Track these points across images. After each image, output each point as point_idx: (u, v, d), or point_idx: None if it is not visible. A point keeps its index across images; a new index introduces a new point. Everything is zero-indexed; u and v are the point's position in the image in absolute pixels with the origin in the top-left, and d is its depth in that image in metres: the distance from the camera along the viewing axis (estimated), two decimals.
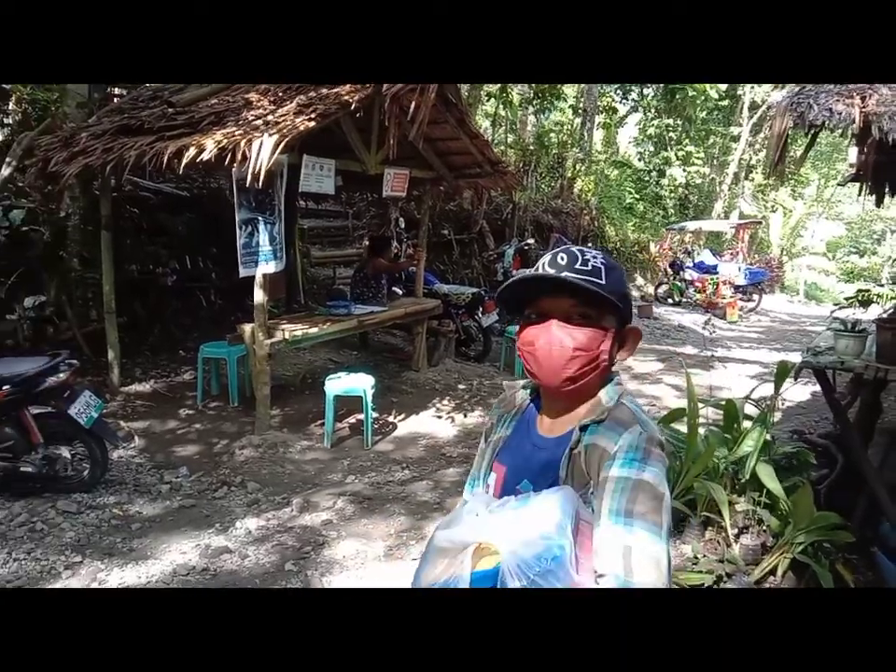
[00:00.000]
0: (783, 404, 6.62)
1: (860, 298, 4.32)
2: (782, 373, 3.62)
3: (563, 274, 1.22)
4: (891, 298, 4.54)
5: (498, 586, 1.09)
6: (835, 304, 4.78)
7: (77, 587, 3.44)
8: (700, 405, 4.19)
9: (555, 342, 1.23)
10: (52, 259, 6.58)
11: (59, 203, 6.76)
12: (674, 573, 3.30)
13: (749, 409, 4.01)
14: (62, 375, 4.24)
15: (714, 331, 10.93)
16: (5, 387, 4.04)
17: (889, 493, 3.68)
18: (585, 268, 1.23)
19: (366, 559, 3.84)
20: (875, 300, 4.13)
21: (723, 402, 3.92)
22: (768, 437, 3.62)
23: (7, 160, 6.13)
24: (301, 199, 8.58)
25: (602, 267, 1.24)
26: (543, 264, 1.27)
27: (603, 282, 1.22)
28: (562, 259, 1.25)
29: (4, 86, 6.91)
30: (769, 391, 3.96)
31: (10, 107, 6.79)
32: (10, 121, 6.86)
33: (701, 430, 3.99)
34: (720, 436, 3.70)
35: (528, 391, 1.43)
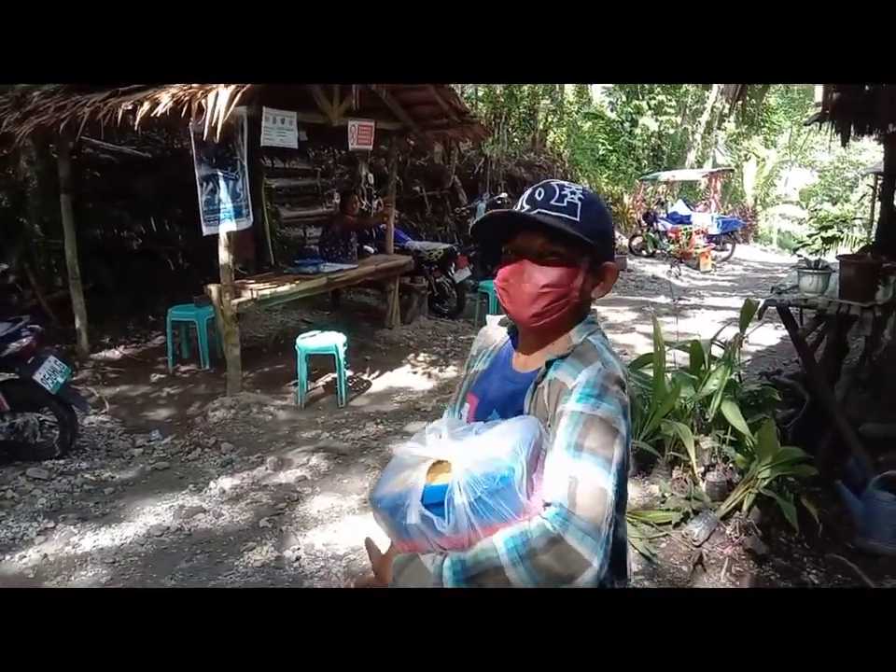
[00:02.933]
0: (753, 348, 6.71)
1: (822, 235, 4.34)
2: (747, 313, 3.64)
3: (535, 212, 1.22)
4: (859, 240, 4.57)
5: (445, 501, 1.10)
6: (799, 243, 4.80)
7: (50, 553, 3.43)
8: (668, 349, 4.22)
9: (525, 278, 1.24)
10: (12, 225, 6.41)
11: (15, 168, 6.56)
12: (642, 511, 3.36)
13: (717, 351, 4.04)
14: (24, 341, 4.16)
15: (679, 275, 11.01)
16: None
17: (853, 429, 3.75)
18: (560, 204, 1.23)
19: (341, 513, 3.86)
20: (837, 236, 4.15)
21: (689, 345, 3.95)
22: (734, 376, 3.66)
23: None
24: (266, 157, 8.42)
25: (579, 203, 1.23)
26: (522, 199, 1.27)
27: (578, 219, 1.22)
28: (539, 193, 1.25)
29: None
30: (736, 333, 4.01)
31: None
32: None
33: (669, 374, 4.03)
34: (686, 377, 3.73)
35: (507, 327, 1.45)
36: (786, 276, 4.57)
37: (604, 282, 1.30)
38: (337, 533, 3.64)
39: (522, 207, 1.26)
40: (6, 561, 3.35)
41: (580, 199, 1.24)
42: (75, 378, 5.57)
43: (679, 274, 11.40)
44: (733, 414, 3.36)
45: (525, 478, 1.11)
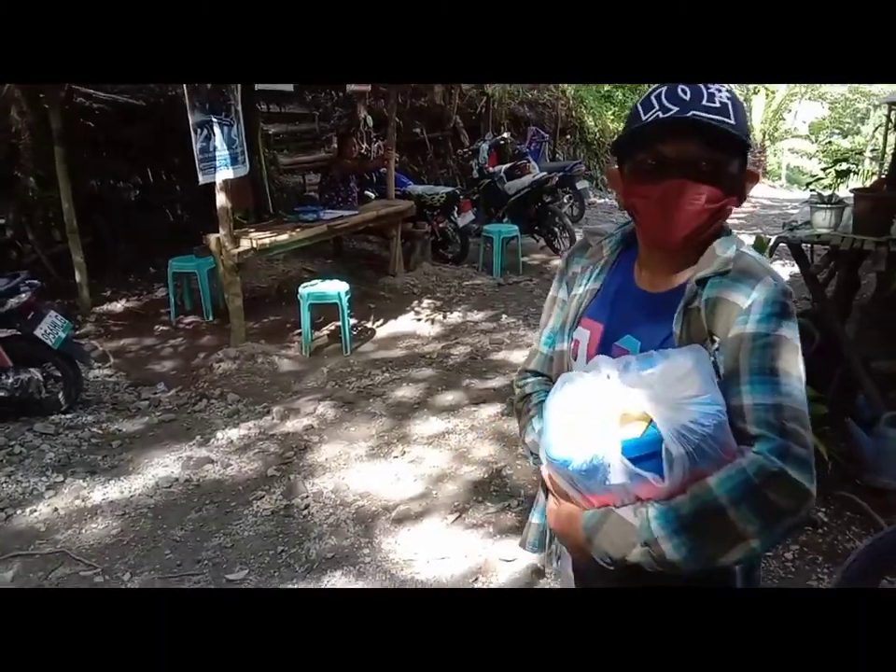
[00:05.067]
0: None
1: (836, 169, 4.20)
2: (759, 250, 3.55)
3: (690, 114, 1.07)
4: (872, 173, 4.43)
5: (662, 454, 1.02)
6: (812, 177, 4.66)
7: (60, 506, 3.45)
8: None
9: (687, 196, 1.10)
10: (6, 180, 6.30)
11: (6, 121, 6.41)
12: None
13: None
14: (23, 296, 4.12)
15: None
16: None
17: (864, 366, 3.70)
18: (713, 104, 1.08)
19: (349, 460, 3.86)
20: (851, 170, 4.02)
21: None
22: None
23: None
24: (262, 101, 8.21)
25: (729, 102, 1.10)
26: (662, 100, 1.10)
27: (733, 121, 1.08)
28: (684, 92, 1.09)
29: None
30: None
31: None
32: None
33: None
34: None
35: (615, 241, 1.31)
36: (797, 212, 4.46)
37: (746, 189, 1.18)
38: (345, 480, 3.66)
39: (666, 110, 1.09)
40: (17, 515, 3.37)
41: (728, 98, 1.10)
42: (77, 332, 5.55)
43: None
44: None
45: (727, 411, 1.04)
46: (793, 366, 1.07)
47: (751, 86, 20.79)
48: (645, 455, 1.03)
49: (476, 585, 2.82)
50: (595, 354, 1.22)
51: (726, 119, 1.08)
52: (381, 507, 3.40)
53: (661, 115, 1.09)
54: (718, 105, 1.08)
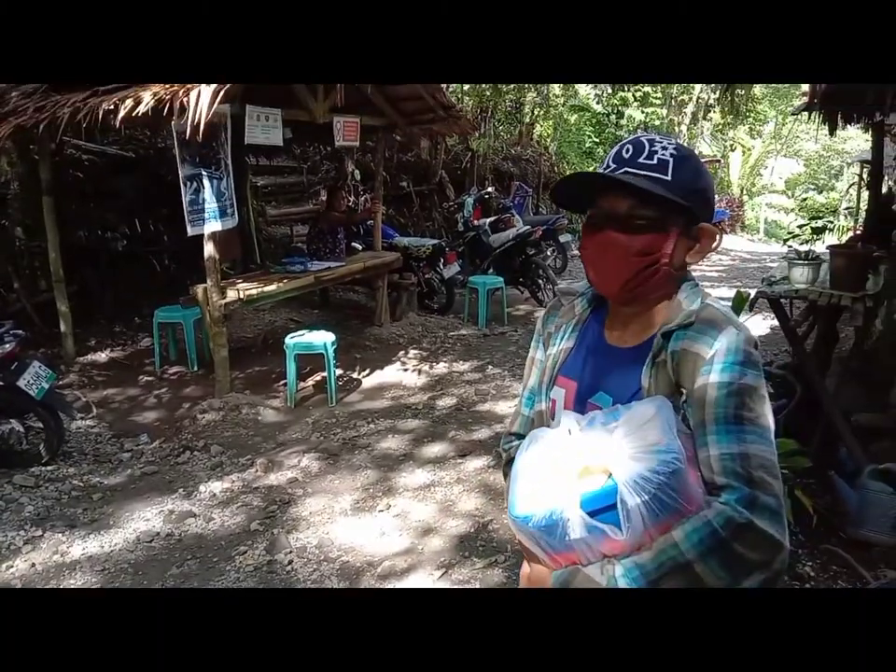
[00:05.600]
0: None
1: (812, 226, 4.33)
2: (738, 304, 3.62)
3: (621, 171, 1.13)
4: (846, 228, 4.56)
5: (617, 505, 1.01)
6: (789, 234, 4.78)
7: (38, 561, 3.38)
8: None
9: (610, 247, 1.14)
10: None
11: None
12: None
13: None
14: (7, 346, 4.10)
15: None
16: None
17: (845, 419, 3.75)
18: (650, 161, 1.12)
19: (333, 514, 3.82)
20: (827, 227, 4.14)
21: None
22: None
23: None
24: (251, 154, 8.34)
25: (670, 160, 1.13)
26: (609, 157, 1.17)
27: (668, 178, 1.11)
28: (626, 151, 1.15)
29: None
30: None
31: None
32: None
33: None
34: None
35: (587, 299, 1.33)
36: (775, 266, 4.56)
37: (700, 245, 1.19)
38: (329, 535, 3.61)
39: (608, 167, 1.15)
40: None
41: (671, 154, 1.13)
42: (61, 382, 5.50)
43: None
44: None
45: (686, 463, 1.03)
46: (760, 414, 1.07)
47: (729, 143, 21.41)
48: (602, 507, 1.03)
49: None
50: (574, 403, 1.25)
51: (661, 176, 1.11)
52: (365, 562, 3.36)
53: (602, 171, 1.16)
54: (655, 162, 1.12)
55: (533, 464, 1.13)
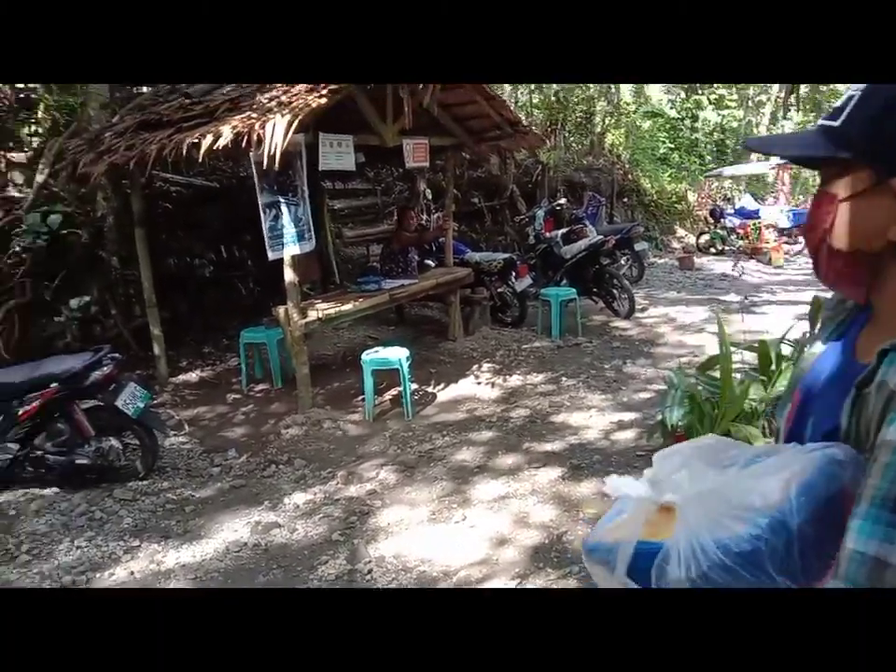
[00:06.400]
0: None
1: None
2: (816, 310, 3.53)
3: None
4: None
5: (654, 571, 0.84)
6: None
7: (136, 570, 3.60)
8: (736, 350, 4.12)
9: (810, 223, 0.91)
10: (92, 259, 6.78)
11: (93, 205, 6.94)
12: None
13: (787, 349, 3.92)
14: (105, 369, 4.39)
15: (744, 272, 10.70)
16: (53, 385, 4.21)
17: None
18: (830, 112, 0.86)
19: (410, 524, 3.91)
20: None
21: (756, 345, 3.85)
22: None
23: (40, 166, 6.31)
24: (327, 179, 8.63)
25: (852, 98, 0.84)
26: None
27: (836, 123, 0.84)
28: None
29: (31, 95, 7.09)
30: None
31: (39, 115, 6.97)
32: (41, 129, 7.05)
33: (738, 375, 3.93)
34: (755, 378, 3.63)
35: None
36: None
37: None
38: (407, 545, 3.70)
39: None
40: (96, 579, 3.53)
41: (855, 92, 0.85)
42: (155, 402, 5.84)
43: (744, 271, 11.06)
44: None
45: (792, 547, 0.79)
46: None
47: None
48: (644, 566, 0.88)
49: None
50: (790, 429, 1.02)
51: (829, 123, 0.87)
52: (441, 572, 3.43)
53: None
54: (832, 110, 0.89)
55: (625, 492, 0.96)
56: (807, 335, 3.71)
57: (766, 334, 4.92)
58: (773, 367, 3.66)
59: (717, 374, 3.95)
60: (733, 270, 9.31)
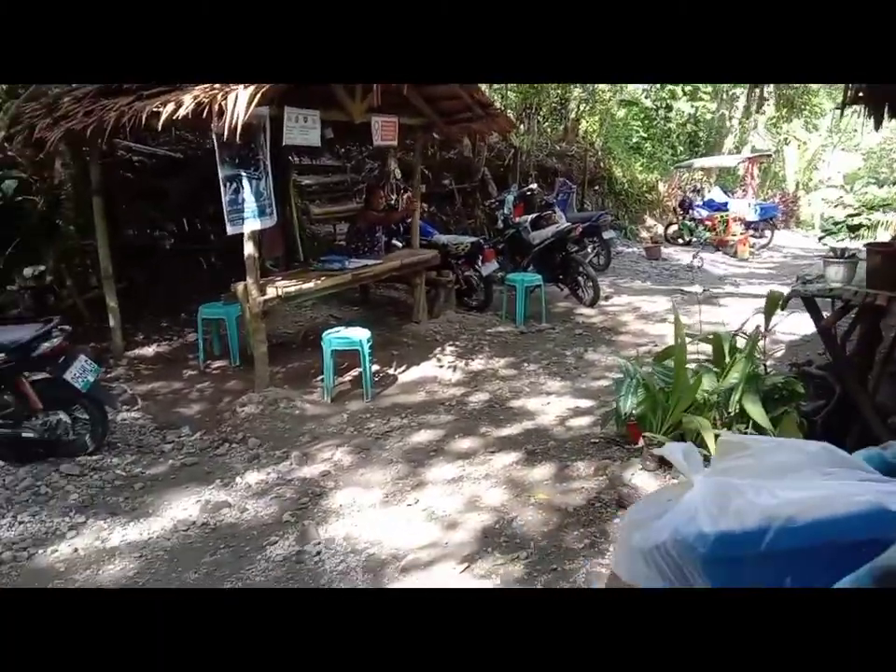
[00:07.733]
0: (787, 337, 6.57)
1: (848, 223, 4.20)
2: (772, 304, 3.57)
3: None
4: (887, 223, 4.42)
5: None
6: (823, 231, 4.64)
7: (81, 546, 3.53)
8: (692, 341, 4.16)
9: None
10: (48, 228, 6.59)
11: (50, 172, 6.73)
12: None
13: (742, 342, 3.96)
14: (55, 341, 4.28)
15: (702, 264, 10.83)
16: (0, 355, 4.10)
17: (881, 422, 3.65)
18: None
19: (362, 506, 3.90)
20: (865, 223, 4.02)
21: (710, 336, 3.89)
22: (759, 368, 3.59)
23: None
24: (295, 155, 8.49)
25: None
26: None
27: None
28: None
29: None
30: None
31: None
32: None
33: (693, 366, 3.97)
34: (708, 370, 3.67)
35: None
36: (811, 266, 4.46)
37: None
38: (357, 527, 3.68)
39: None
40: (38, 555, 3.46)
41: None
42: (109, 375, 5.73)
43: (703, 263, 11.20)
44: (754, 408, 3.30)
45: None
46: None
47: (783, 136, 20.83)
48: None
49: None
50: None
51: None
52: (390, 555, 3.42)
53: None
54: None
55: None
56: (761, 328, 3.75)
57: (724, 325, 4.97)
58: (726, 359, 3.70)
59: (672, 364, 3.99)
60: (693, 259, 9.43)
